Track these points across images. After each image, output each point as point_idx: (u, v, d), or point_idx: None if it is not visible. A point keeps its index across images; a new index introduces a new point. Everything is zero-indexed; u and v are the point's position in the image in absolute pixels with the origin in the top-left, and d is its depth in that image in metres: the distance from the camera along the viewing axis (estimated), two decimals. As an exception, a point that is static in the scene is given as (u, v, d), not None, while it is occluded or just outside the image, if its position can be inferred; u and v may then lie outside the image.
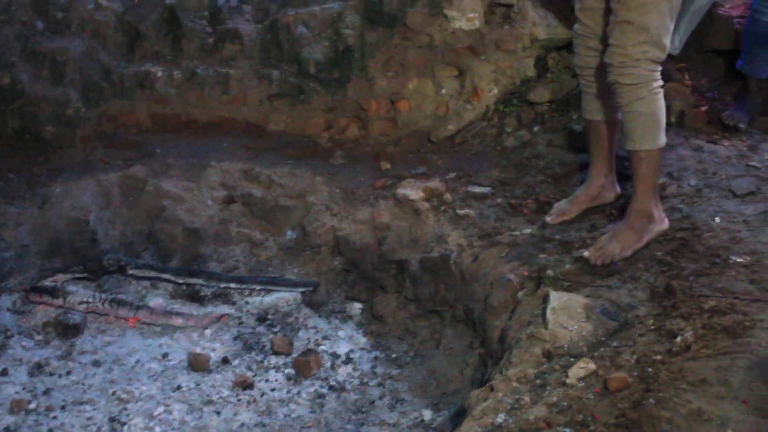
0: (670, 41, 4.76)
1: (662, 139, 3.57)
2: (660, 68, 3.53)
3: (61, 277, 4.32)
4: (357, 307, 4.41)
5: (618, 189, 3.99)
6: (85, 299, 4.26)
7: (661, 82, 3.54)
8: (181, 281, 4.46)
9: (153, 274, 4.48)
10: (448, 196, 4.35)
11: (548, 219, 3.99)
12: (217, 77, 5.16)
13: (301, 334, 4.24)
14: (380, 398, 3.82)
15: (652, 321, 3.10)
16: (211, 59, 5.20)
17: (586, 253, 3.62)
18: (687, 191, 3.98)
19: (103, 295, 4.32)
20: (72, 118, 5.02)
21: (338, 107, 5.12)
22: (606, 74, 3.63)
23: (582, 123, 4.28)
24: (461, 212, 4.22)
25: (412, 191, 4.40)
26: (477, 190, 4.38)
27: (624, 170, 4.00)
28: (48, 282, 4.28)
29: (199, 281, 4.46)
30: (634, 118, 3.53)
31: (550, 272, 3.58)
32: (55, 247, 4.47)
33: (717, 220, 3.69)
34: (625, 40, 3.42)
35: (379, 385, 3.91)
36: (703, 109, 4.71)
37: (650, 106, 3.51)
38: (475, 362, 3.76)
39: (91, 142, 5.04)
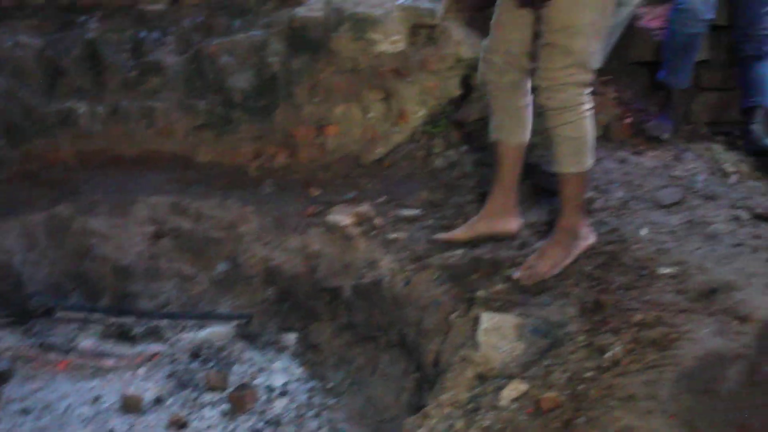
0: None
1: (589, 162, 3.57)
2: (589, 90, 3.53)
3: (-14, 323, 4.23)
4: (292, 337, 4.35)
5: (520, 220, 3.92)
6: (11, 345, 4.17)
7: (590, 105, 3.53)
8: (111, 320, 4.38)
9: (82, 314, 4.39)
10: (378, 221, 4.32)
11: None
12: (141, 110, 5.08)
13: (236, 368, 4.17)
14: (318, 430, 3.76)
15: (582, 337, 3.10)
16: (134, 93, 5.12)
17: (516, 274, 3.61)
18: (614, 204, 4.00)
19: (31, 340, 4.23)
20: (-7, 159, 4.93)
21: (266, 135, 5.07)
22: (505, 92, 3.65)
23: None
24: (392, 236, 4.19)
25: (342, 217, 4.36)
26: (407, 212, 4.35)
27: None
28: (-28, 329, 4.19)
29: (130, 320, 4.38)
30: (561, 141, 3.53)
31: (481, 293, 3.57)
32: (-22, 293, 4.37)
33: (644, 231, 3.71)
34: (552, 62, 3.41)
35: (317, 416, 3.85)
36: (628, 121, 4.74)
37: (578, 130, 3.51)
38: (412, 387, 3.73)
39: (14, 182, 4.94)
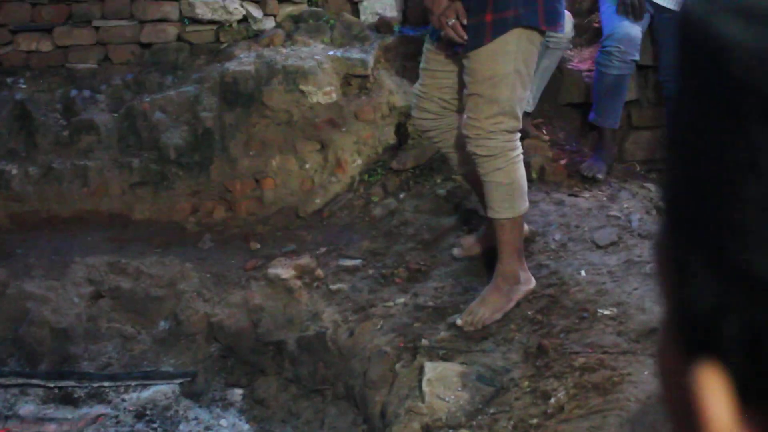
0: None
1: (524, 206, 3.59)
2: (518, 136, 3.56)
3: None
4: (238, 393, 4.30)
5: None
6: (-52, 416, 4.07)
7: (519, 150, 3.56)
8: (52, 385, 4.29)
9: (21, 380, 4.30)
10: (319, 272, 4.31)
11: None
12: (75, 170, 5.03)
13: (182, 427, 4.11)
14: (266, 487, 3.73)
15: (526, 383, 3.11)
16: (67, 152, 5.07)
17: (458, 321, 3.62)
18: (552, 246, 4.03)
19: (-32, 409, 4.14)
20: (-76, 226, 4.83)
21: (203, 190, 5.05)
22: (447, 133, 3.70)
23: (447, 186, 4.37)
24: (334, 287, 4.18)
25: (283, 270, 4.34)
26: (348, 263, 4.35)
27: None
28: None
29: (71, 383, 4.30)
30: (493, 188, 3.54)
31: (425, 342, 3.57)
32: None
33: (583, 273, 3.74)
34: (478, 112, 3.44)
35: (265, 473, 3.82)
36: (563, 162, 4.80)
37: (509, 175, 3.52)
38: (360, 440, 3.71)
39: (-54, 248, 4.85)
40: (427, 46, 3.68)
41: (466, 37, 3.37)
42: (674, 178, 0.49)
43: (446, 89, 3.65)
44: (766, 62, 0.44)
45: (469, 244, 4.07)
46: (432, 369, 3.29)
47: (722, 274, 0.44)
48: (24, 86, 5.20)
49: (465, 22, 3.35)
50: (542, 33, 3.47)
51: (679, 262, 0.47)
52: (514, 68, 3.40)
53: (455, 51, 3.50)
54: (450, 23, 3.35)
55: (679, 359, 0.48)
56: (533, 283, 3.69)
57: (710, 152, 0.46)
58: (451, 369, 3.29)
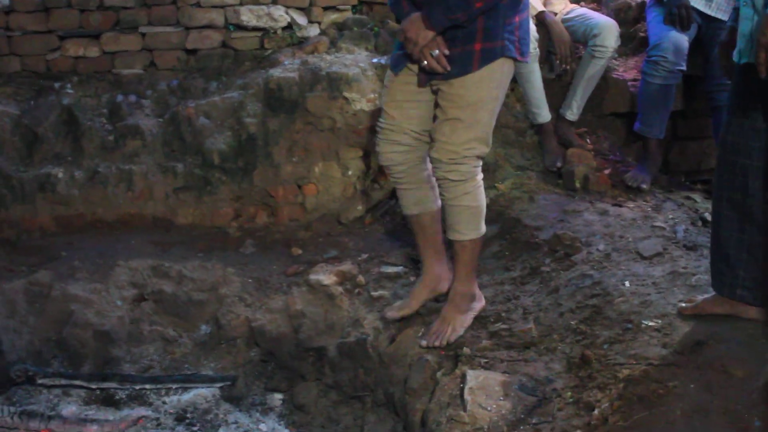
0: (568, 108, 4.87)
1: (484, 227, 3.68)
2: (481, 162, 3.61)
3: (-34, 394, 4.17)
4: (277, 397, 4.32)
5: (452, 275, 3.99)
6: (-8, 415, 4.10)
7: (481, 174, 3.63)
8: (94, 386, 4.32)
9: (64, 381, 4.34)
10: (361, 279, 4.32)
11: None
12: (120, 174, 5.08)
13: (222, 431, 4.12)
14: (306, 493, 3.73)
15: (569, 393, 3.08)
16: (112, 156, 5.12)
17: (423, 342, 3.70)
18: (596, 257, 4.00)
19: (12, 408, 4.16)
20: (-29, 228, 4.90)
21: (245, 196, 5.08)
22: (416, 167, 3.70)
23: (489, 194, 4.34)
24: (375, 294, 4.19)
25: (324, 276, 4.36)
26: (390, 270, 4.36)
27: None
28: (-48, 401, 4.13)
29: (113, 384, 4.33)
30: (461, 211, 3.61)
31: (466, 350, 3.55)
32: (-42, 363, 4.31)
33: (627, 284, 3.70)
34: (455, 137, 3.48)
35: (304, 478, 3.82)
36: (607, 172, 4.77)
37: (476, 199, 3.60)
38: (400, 448, 3.70)
39: (-8, 249, 4.91)
40: (391, 78, 3.68)
41: (449, 68, 3.40)
42: None
43: (414, 120, 3.65)
44: None
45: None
46: (474, 377, 3.27)
47: None
48: (71, 91, 5.27)
49: (447, 53, 3.39)
50: (515, 62, 3.54)
51: None
52: (496, 94, 3.49)
53: (430, 79, 3.51)
54: (435, 54, 3.38)
55: None
56: (483, 300, 3.84)
57: None
58: (493, 378, 3.27)
